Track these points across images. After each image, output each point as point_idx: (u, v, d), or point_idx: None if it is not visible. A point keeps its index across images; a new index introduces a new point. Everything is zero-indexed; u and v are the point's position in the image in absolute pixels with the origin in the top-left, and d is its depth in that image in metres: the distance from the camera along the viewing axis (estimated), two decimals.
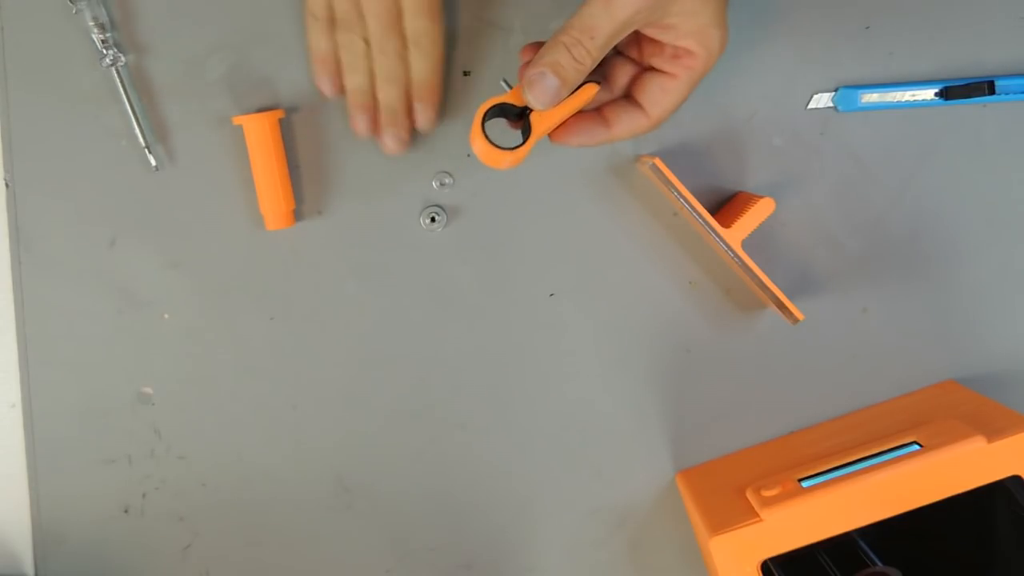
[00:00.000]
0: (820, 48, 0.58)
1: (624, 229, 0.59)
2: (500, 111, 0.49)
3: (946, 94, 0.57)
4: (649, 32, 0.48)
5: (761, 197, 0.54)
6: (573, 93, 0.49)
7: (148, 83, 0.57)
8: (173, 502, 0.60)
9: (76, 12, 0.56)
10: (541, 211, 0.59)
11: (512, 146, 0.49)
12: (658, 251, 0.59)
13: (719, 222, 0.54)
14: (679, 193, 0.54)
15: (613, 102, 0.51)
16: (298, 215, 0.58)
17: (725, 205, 0.58)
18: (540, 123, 0.49)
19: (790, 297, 0.55)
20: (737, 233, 0.54)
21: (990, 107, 0.58)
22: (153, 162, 0.57)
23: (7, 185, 0.57)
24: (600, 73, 0.51)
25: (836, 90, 0.58)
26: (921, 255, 0.59)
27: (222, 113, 0.57)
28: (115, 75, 0.56)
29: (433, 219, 0.58)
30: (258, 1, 0.57)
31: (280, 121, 0.57)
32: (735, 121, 0.58)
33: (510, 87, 0.49)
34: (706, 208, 0.54)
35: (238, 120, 0.56)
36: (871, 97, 0.58)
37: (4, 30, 0.57)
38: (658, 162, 0.54)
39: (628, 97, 0.51)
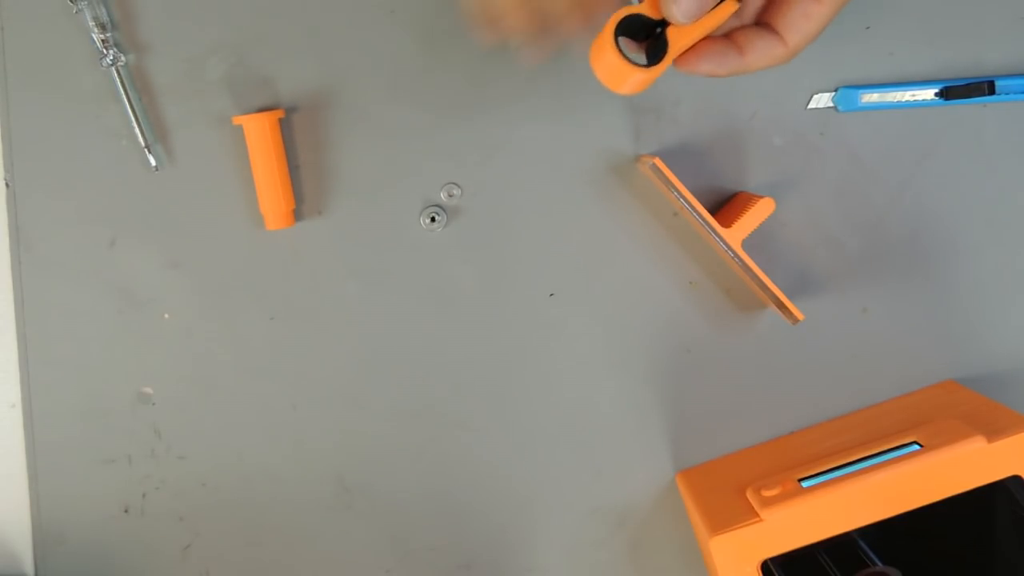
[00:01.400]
0: (820, 48, 0.57)
1: (624, 229, 0.59)
2: (630, 25, 0.43)
3: (946, 94, 0.57)
4: None
5: (761, 197, 0.54)
6: (712, 9, 0.43)
7: (148, 83, 0.57)
8: (173, 502, 0.60)
9: (76, 12, 0.56)
10: (541, 211, 0.59)
11: (643, 63, 0.43)
12: (658, 251, 0.59)
13: (719, 222, 0.54)
14: (679, 193, 0.54)
15: (744, 28, 0.45)
16: (298, 215, 0.58)
17: (725, 205, 0.58)
18: (676, 41, 0.43)
19: (790, 297, 0.55)
20: (737, 233, 0.54)
21: (990, 107, 0.58)
22: (153, 162, 0.57)
23: (7, 185, 0.57)
24: None
25: (836, 90, 0.58)
26: (921, 255, 0.59)
27: (222, 113, 0.57)
28: (115, 75, 0.56)
29: (433, 219, 0.58)
30: (258, 1, 0.57)
31: (280, 121, 0.57)
32: (735, 121, 0.58)
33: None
34: (706, 208, 0.54)
35: (238, 120, 0.56)
36: (871, 97, 0.58)
37: (4, 30, 0.57)
38: (658, 162, 0.54)
39: (760, 24, 0.45)
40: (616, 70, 0.43)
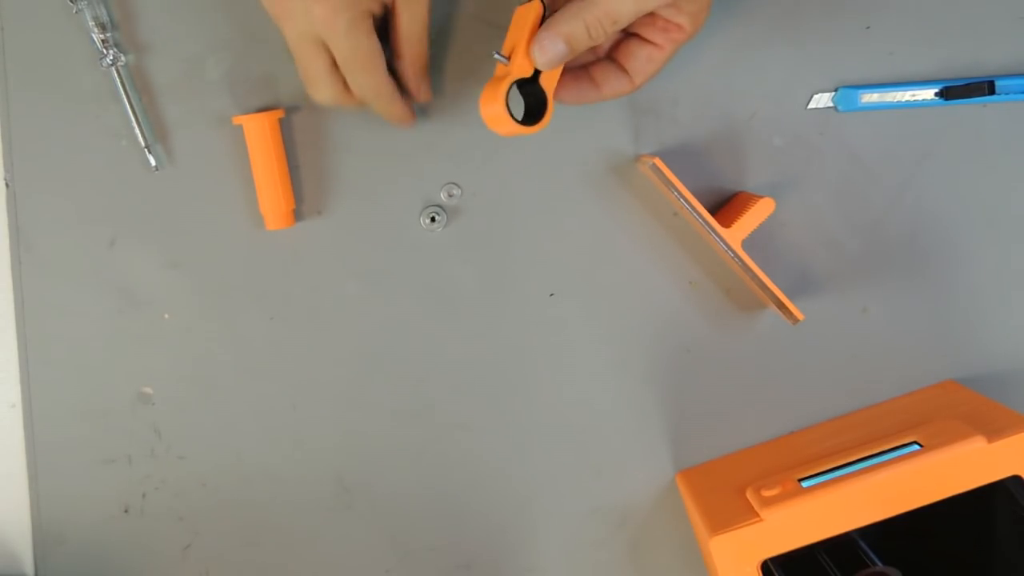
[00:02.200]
0: (820, 48, 0.58)
1: (624, 229, 0.59)
2: (516, 86, 0.50)
3: (946, 94, 0.57)
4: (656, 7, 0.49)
5: (761, 197, 0.54)
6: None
7: (148, 83, 0.57)
8: (173, 502, 0.60)
9: (76, 12, 0.56)
10: (541, 211, 0.59)
11: (526, 118, 0.50)
12: (658, 251, 0.59)
13: (719, 222, 0.54)
14: (679, 193, 0.54)
15: (599, 64, 0.53)
16: (298, 215, 0.58)
17: (725, 205, 0.58)
18: (548, 85, 0.50)
19: (790, 297, 0.55)
20: (737, 233, 0.54)
21: (990, 107, 0.58)
22: (153, 162, 0.57)
23: (7, 185, 0.57)
24: None
25: (836, 90, 0.58)
26: (921, 255, 0.59)
27: (222, 113, 0.57)
28: (115, 75, 0.56)
29: (433, 219, 0.58)
30: (258, 1, 0.57)
31: (280, 121, 0.57)
32: (735, 121, 0.58)
33: (504, 58, 0.49)
34: (706, 208, 0.54)
35: (238, 120, 0.56)
36: (871, 97, 0.58)
37: (4, 30, 0.57)
38: (658, 162, 0.54)
39: (612, 60, 0.53)
40: (505, 126, 0.49)
